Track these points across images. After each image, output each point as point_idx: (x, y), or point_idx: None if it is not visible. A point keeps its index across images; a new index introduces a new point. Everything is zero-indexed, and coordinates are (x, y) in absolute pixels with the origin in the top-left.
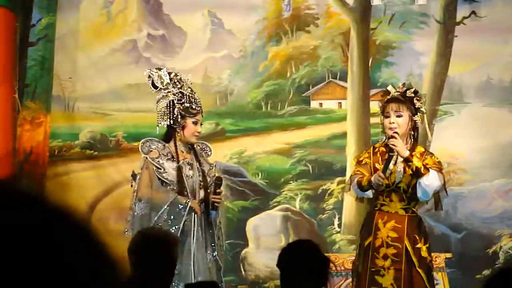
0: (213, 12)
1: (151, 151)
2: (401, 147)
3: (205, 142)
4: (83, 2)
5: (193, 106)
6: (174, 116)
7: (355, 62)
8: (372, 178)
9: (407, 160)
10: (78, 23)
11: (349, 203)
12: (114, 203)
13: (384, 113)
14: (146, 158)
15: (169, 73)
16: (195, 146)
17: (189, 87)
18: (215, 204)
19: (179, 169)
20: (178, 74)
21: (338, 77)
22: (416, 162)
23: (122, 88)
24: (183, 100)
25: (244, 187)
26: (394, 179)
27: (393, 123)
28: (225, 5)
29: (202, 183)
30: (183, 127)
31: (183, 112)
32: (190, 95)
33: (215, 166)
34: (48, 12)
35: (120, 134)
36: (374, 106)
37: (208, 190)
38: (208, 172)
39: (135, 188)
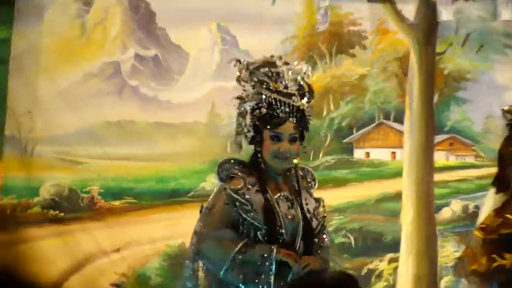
0: (225, 27)
1: (233, 177)
2: None
3: (306, 167)
4: (49, 9)
5: (276, 112)
6: (246, 127)
7: (416, 98)
8: None
9: None
10: (41, 38)
11: None
12: (86, 283)
13: None
14: (225, 189)
15: (249, 64)
16: (298, 172)
17: (295, 79)
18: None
19: (268, 205)
20: (274, 61)
21: (392, 118)
22: None
23: (99, 127)
24: (261, 104)
25: None
26: None
27: None
28: (241, 18)
29: (305, 230)
30: (261, 145)
31: (257, 122)
32: (277, 96)
33: (322, 201)
34: (0, 23)
35: (95, 190)
36: (441, 157)
37: (315, 240)
38: (315, 212)
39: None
